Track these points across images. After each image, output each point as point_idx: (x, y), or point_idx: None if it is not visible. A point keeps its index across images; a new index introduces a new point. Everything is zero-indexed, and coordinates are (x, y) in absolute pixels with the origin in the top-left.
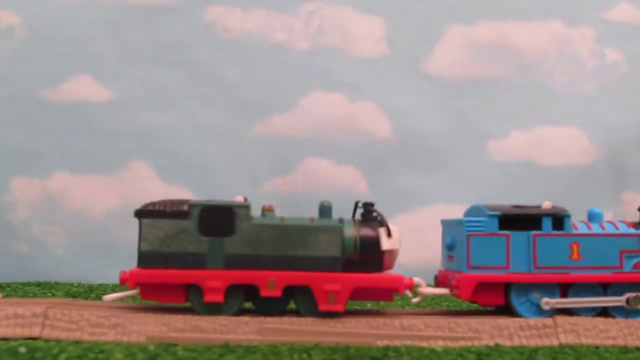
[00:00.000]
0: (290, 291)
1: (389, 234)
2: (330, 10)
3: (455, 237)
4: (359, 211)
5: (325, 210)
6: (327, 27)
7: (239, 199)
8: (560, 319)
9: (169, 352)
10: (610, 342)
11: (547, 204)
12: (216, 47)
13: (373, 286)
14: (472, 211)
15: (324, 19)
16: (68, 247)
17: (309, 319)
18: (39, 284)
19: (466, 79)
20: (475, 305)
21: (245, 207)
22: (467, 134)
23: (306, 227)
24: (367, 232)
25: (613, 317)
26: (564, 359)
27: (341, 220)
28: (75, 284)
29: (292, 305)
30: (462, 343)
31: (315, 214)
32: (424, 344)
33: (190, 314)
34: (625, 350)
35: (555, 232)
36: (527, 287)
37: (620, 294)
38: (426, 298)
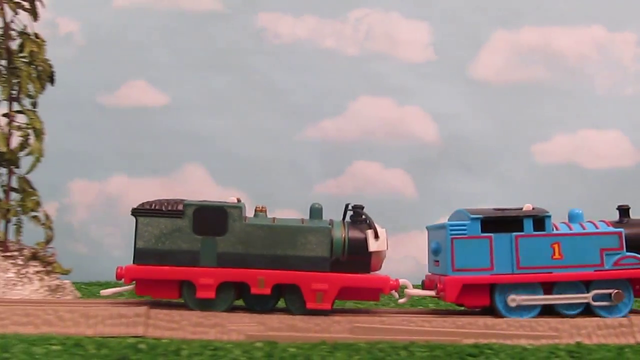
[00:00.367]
0: (280, 289)
1: (376, 236)
2: (378, 17)
3: (440, 242)
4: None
5: (315, 212)
6: (375, 33)
7: (232, 199)
8: (637, 319)
9: (280, 350)
10: None
11: (527, 206)
12: (268, 53)
13: (359, 286)
14: (456, 216)
15: (371, 25)
16: (125, 248)
17: (398, 318)
18: (100, 284)
19: (510, 83)
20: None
21: (237, 207)
22: (511, 137)
23: (296, 228)
24: (355, 234)
25: (598, 315)
26: None
27: (331, 222)
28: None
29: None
30: (543, 341)
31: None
32: (508, 342)
33: (284, 313)
34: None
35: (536, 232)
36: (511, 288)
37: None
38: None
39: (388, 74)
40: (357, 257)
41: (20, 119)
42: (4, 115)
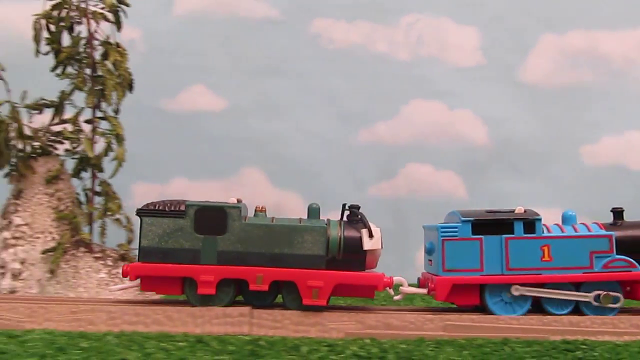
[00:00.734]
0: (278, 286)
1: (370, 235)
2: (429, 22)
3: (433, 242)
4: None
5: (313, 211)
6: (426, 38)
7: (233, 200)
8: None
9: (390, 346)
10: None
11: (519, 209)
12: (322, 58)
13: (354, 283)
14: (450, 217)
15: (423, 30)
16: None
17: (487, 317)
18: None
19: (558, 86)
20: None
21: (237, 207)
22: (559, 139)
23: (293, 227)
24: (350, 233)
25: (584, 314)
26: None
27: (327, 222)
28: None
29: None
30: (626, 338)
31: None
32: (592, 338)
33: (379, 312)
34: None
35: (526, 235)
36: (501, 288)
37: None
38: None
39: (439, 78)
40: (353, 255)
41: (103, 126)
42: (87, 121)
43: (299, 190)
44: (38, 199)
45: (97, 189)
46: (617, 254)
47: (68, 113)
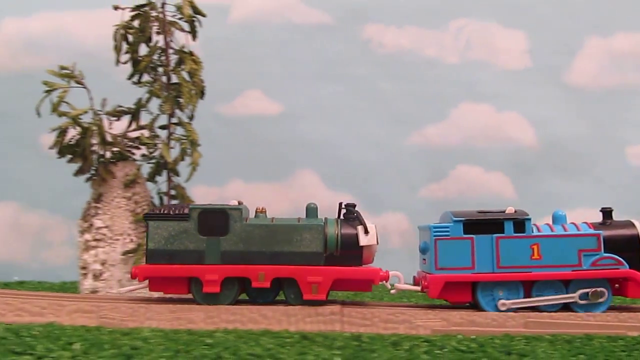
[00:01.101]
0: (279, 283)
1: (366, 232)
2: (477, 26)
3: (427, 242)
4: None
5: (311, 211)
6: (474, 42)
7: (234, 202)
8: None
9: (484, 340)
10: None
11: (510, 209)
12: (373, 62)
13: (351, 278)
14: (443, 217)
15: (471, 34)
16: None
17: (564, 314)
18: None
19: (604, 88)
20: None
21: (238, 209)
22: (606, 140)
23: (292, 226)
24: (347, 230)
25: (574, 311)
26: None
27: (325, 220)
28: None
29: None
30: None
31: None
32: None
33: (464, 310)
34: None
35: (516, 234)
36: (492, 285)
37: (581, 289)
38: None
39: (487, 81)
40: (350, 251)
41: (177, 131)
42: (161, 127)
43: (352, 191)
44: (117, 202)
45: (171, 192)
46: (605, 252)
47: (143, 120)
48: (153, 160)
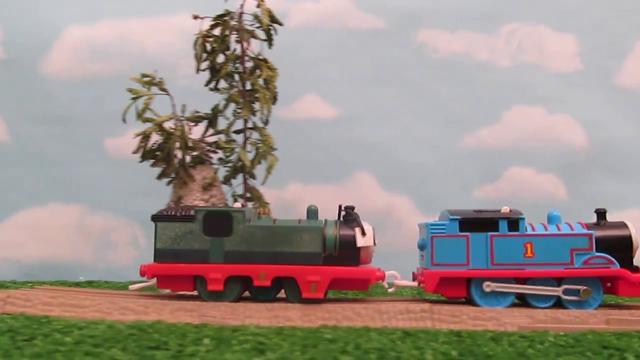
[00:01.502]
0: (280, 281)
1: (363, 233)
2: (528, 30)
3: (425, 239)
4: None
5: (312, 213)
6: (526, 45)
7: (237, 205)
8: None
9: (578, 336)
10: None
11: (505, 209)
12: (427, 66)
13: (349, 277)
14: (441, 215)
15: (522, 38)
16: None
17: None
18: None
19: None
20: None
21: (241, 211)
22: None
23: (292, 228)
24: (345, 231)
25: (566, 308)
26: None
27: (325, 222)
28: None
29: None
30: None
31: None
32: None
33: (547, 307)
34: None
35: (510, 233)
36: (486, 281)
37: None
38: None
39: (539, 84)
40: (348, 251)
41: (252, 136)
42: (236, 132)
43: (408, 193)
44: (196, 204)
45: (247, 194)
46: (597, 251)
47: (218, 125)
48: (229, 164)
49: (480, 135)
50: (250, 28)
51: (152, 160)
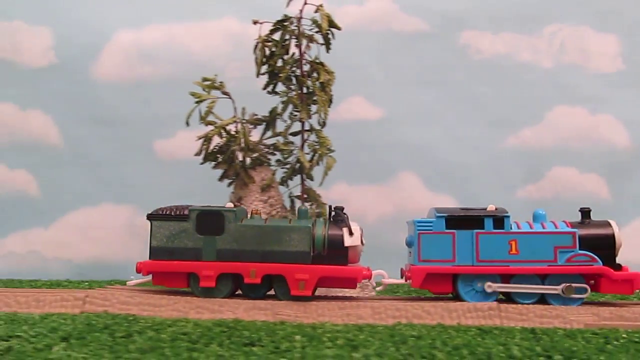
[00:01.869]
0: (270, 279)
1: (350, 233)
2: (570, 31)
3: (412, 235)
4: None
5: (302, 213)
6: (568, 46)
7: (229, 205)
8: None
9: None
10: None
11: (491, 207)
12: (470, 68)
13: (336, 275)
14: (430, 213)
15: (564, 38)
16: None
17: None
18: None
19: None
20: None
21: (232, 211)
22: None
23: (281, 227)
24: (333, 231)
25: (550, 304)
26: None
27: (314, 222)
28: None
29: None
30: None
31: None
32: None
33: (612, 305)
34: None
35: (495, 230)
36: (472, 278)
37: (557, 284)
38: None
39: (581, 85)
40: (336, 251)
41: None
42: (293, 134)
43: (451, 193)
44: (255, 205)
45: (304, 195)
46: (580, 249)
47: (275, 127)
48: (287, 166)
49: (523, 135)
50: (309, 32)
51: (214, 163)
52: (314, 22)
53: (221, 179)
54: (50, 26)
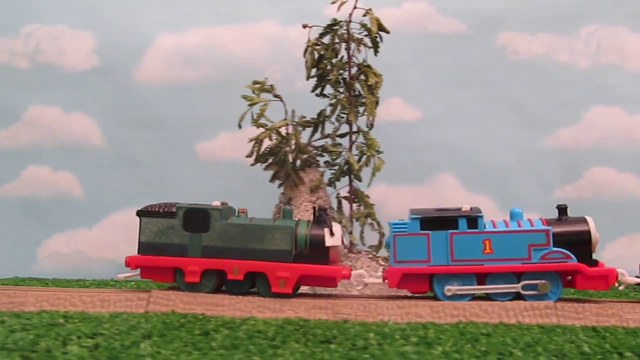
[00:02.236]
0: (253, 276)
1: (331, 234)
2: (607, 31)
3: (390, 237)
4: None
5: (287, 212)
6: (605, 46)
7: (216, 203)
8: None
9: None
10: None
11: (465, 207)
12: (507, 69)
13: (315, 274)
14: (408, 214)
15: (601, 39)
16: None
17: None
18: None
19: None
20: None
21: (217, 209)
22: None
23: (264, 227)
24: (315, 231)
25: (524, 300)
26: None
27: (298, 222)
28: None
29: None
30: None
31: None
32: None
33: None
34: None
35: (469, 230)
36: (448, 277)
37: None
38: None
39: (618, 85)
40: (317, 250)
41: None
42: (340, 136)
43: (489, 193)
44: (304, 206)
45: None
46: (555, 246)
47: (324, 129)
48: (335, 167)
49: (561, 135)
50: (358, 36)
51: (265, 164)
52: (363, 25)
53: (272, 179)
54: (93, 30)
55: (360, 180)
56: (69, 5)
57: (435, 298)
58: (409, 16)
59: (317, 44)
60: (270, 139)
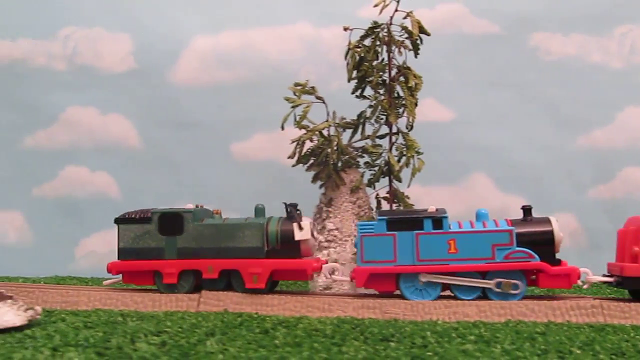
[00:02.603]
0: (228, 274)
1: (300, 228)
2: None
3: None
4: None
5: (259, 211)
6: (639, 46)
7: (189, 206)
8: None
9: None
10: None
11: (431, 208)
12: (541, 69)
13: (287, 268)
14: (377, 216)
15: (635, 39)
16: None
17: None
18: None
19: None
20: None
21: (190, 212)
22: None
23: (235, 225)
24: (285, 227)
25: (490, 299)
26: None
27: (269, 219)
28: None
29: None
30: None
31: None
32: None
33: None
34: None
35: (434, 231)
36: (413, 276)
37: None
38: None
39: None
40: (288, 245)
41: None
42: (380, 137)
43: (523, 193)
44: (345, 206)
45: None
46: (519, 246)
47: (364, 130)
48: (375, 168)
49: (594, 136)
50: (399, 39)
51: (306, 165)
52: (404, 28)
53: (314, 180)
54: (129, 33)
55: (400, 180)
56: (105, 8)
57: (403, 297)
58: (442, 17)
59: (358, 47)
60: (312, 140)
